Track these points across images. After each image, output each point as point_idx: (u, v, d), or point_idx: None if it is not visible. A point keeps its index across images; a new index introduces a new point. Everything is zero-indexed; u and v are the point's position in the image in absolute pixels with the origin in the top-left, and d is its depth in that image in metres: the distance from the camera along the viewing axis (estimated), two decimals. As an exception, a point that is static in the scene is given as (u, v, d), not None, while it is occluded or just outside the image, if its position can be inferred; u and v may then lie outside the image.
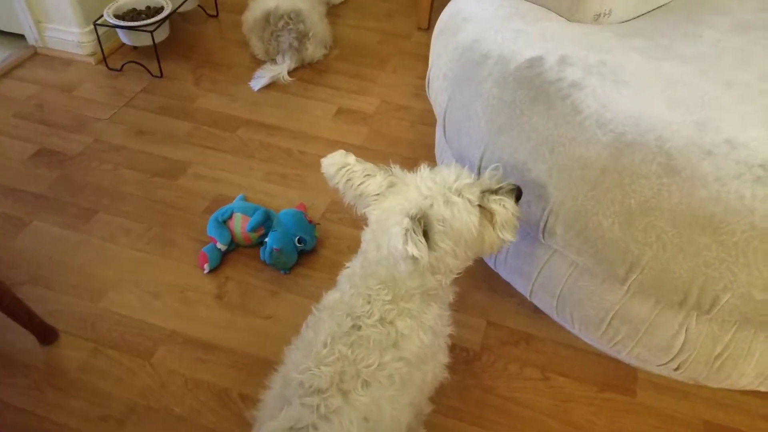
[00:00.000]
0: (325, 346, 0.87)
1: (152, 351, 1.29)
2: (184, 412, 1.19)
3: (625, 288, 1.00)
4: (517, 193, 0.90)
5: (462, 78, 1.13)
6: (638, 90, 0.98)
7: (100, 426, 1.17)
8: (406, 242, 0.78)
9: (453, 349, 1.29)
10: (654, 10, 1.27)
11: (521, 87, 1.02)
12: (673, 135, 0.90)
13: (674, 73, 1.02)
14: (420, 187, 0.86)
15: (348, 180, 0.89)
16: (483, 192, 0.87)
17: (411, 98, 1.97)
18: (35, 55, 2.13)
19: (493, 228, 0.89)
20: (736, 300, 0.90)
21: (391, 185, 0.89)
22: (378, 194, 0.88)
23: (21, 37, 2.14)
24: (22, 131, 1.82)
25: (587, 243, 0.98)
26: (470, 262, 0.93)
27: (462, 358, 1.30)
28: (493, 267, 1.31)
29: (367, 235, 0.91)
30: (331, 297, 0.96)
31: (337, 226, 1.55)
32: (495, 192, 0.88)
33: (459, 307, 1.37)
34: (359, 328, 0.89)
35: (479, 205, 0.86)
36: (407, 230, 0.78)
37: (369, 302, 0.89)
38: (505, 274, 1.29)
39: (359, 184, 0.88)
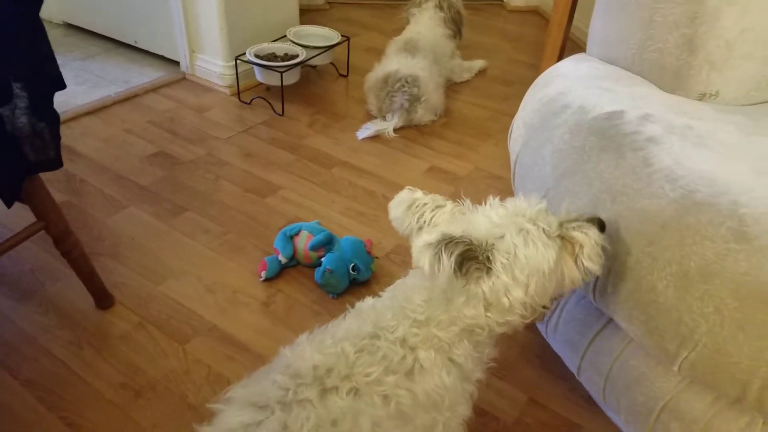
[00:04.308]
0: (332, 338, 0.83)
1: (189, 338, 1.31)
2: (196, 402, 1.19)
3: (676, 369, 0.87)
4: (600, 224, 0.84)
5: (538, 125, 1.11)
6: (721, 155, 0.90)
7: (118, 392, 1.19)
8: (422, 253, 0.73)
9: (483, 414, 1.20)
10: (770, 102, 1.18)
11: (593, 134, 0.98)
12: (750, 201, 0.80)
13: (769, 147, 0.92)
14: (490, 215, 0.81)
15: (420, 217, 0.84)
16: (561, 223, 0.82)
17: (507, 170, 1.95)
18: (183, 80, 2.42)
19: (575, 261, 0.82)
20: (810, 408, 0.75)
21: (462, 213, 0.85)
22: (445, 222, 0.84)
23: (176, 63, 2.45)
24: (149, 134, 2.04)
25: (638, 307, 0.88)
26: (546, 303, 0.84)
27: (490, 426, 1.19)
28: (545, 334, 1.21)
29: None
30: (366, 303, 0.92)
31: (397, 268, 1.53)
32: (574, 221, 0.83)
33: (503, 375, 1.28)
34: (377, 338, 0.82)
35: (559, 236, 0.81)
36: (431, 244, 0.73)
37: (395, 316, 0.83)
38: (555, 345, 1.18)
39: (431, 218, 0.84)
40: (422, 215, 0.84)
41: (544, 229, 0.79)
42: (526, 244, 0.77)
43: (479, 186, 1.88)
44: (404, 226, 0.86)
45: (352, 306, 1.43)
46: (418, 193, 0.86)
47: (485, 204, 0.85)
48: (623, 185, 0.91)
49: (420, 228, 0.85)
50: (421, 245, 0.74)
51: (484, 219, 0.81)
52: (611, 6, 1.21)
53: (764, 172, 0.86)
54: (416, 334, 0.82)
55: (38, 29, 1.09)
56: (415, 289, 0.85)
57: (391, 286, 0.92)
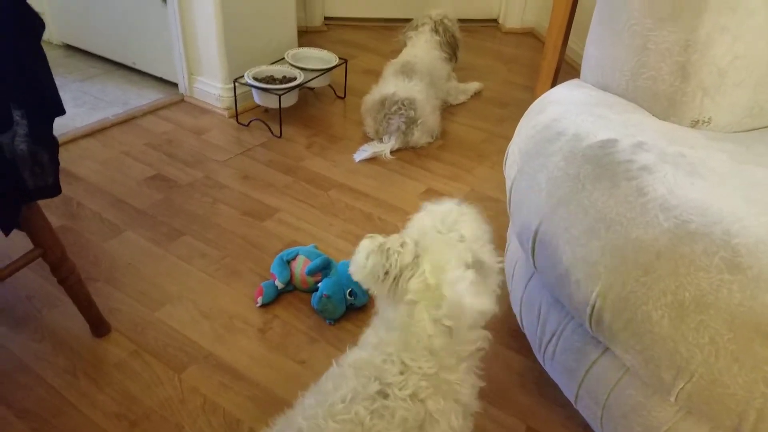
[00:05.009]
0: (342, 401, 0.80)
1: (185, 366, 1.31)
2: None
3: (673, 399, 0.87)
4: None
5: (533, 152, 1.12)
6: (713, 183, 0.90)
7: (113, 422, 1.18)
8: (476, 295, 0.73)
9: (481, 442, 1.19)
10: (764, 128, 1.20)
11: (588, 163, 0.99)
12: (742, 231, 0.81)
13: (760, 176, 0.93)
14: (441, 230, 0.86)
15: (395, 262, 0.81)
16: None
17: (502, 192, 1.96)
18: (181, 102, 2.43)
19: None
20: (807, 440, 0.75)
21: (415, 243, 0.84)
22: (409, 262, 0.81)
23: (175, 85, 2.47)
24: (147, 157, 2.05)
25: (634, 337, 0.88)
26: None
27: (488, 454, 1.18)
28: (542, 362, 1.21)
29: (408, 310, 0.83)
30: (356, 355, 0.88)
31: (394, 292, 1.53)
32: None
33: (500, 403, 1.27)
34: (386, 396, 0.80)
35: None
36: (472, 283, 0.72)
37: (403, 373, 0.81)
38: (552, 372, 1.18)
39: (398, 259, 0.81)
40: (396, 259, 0.81)
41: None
42: (480, 227, 0.90)
43: (475, 209, 1.88)
44: (379, 276, 0.81)
45: (348, 330, 1.42)
46: (378, 238, 0.83)
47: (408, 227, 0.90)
48: (617, 214, 0.91)
49: (394, 279, 0.81)
50: (478, 310, 0.75)
51: (442, 240, 0.85)
52: (605, 33, 1.22)
53: (756, 200, 0.87)
54: (427, 387, 0.81)
55: (39, 56, 1.10)
56: (406, 349, 0.82)
57: (367, 342, 0.89)
